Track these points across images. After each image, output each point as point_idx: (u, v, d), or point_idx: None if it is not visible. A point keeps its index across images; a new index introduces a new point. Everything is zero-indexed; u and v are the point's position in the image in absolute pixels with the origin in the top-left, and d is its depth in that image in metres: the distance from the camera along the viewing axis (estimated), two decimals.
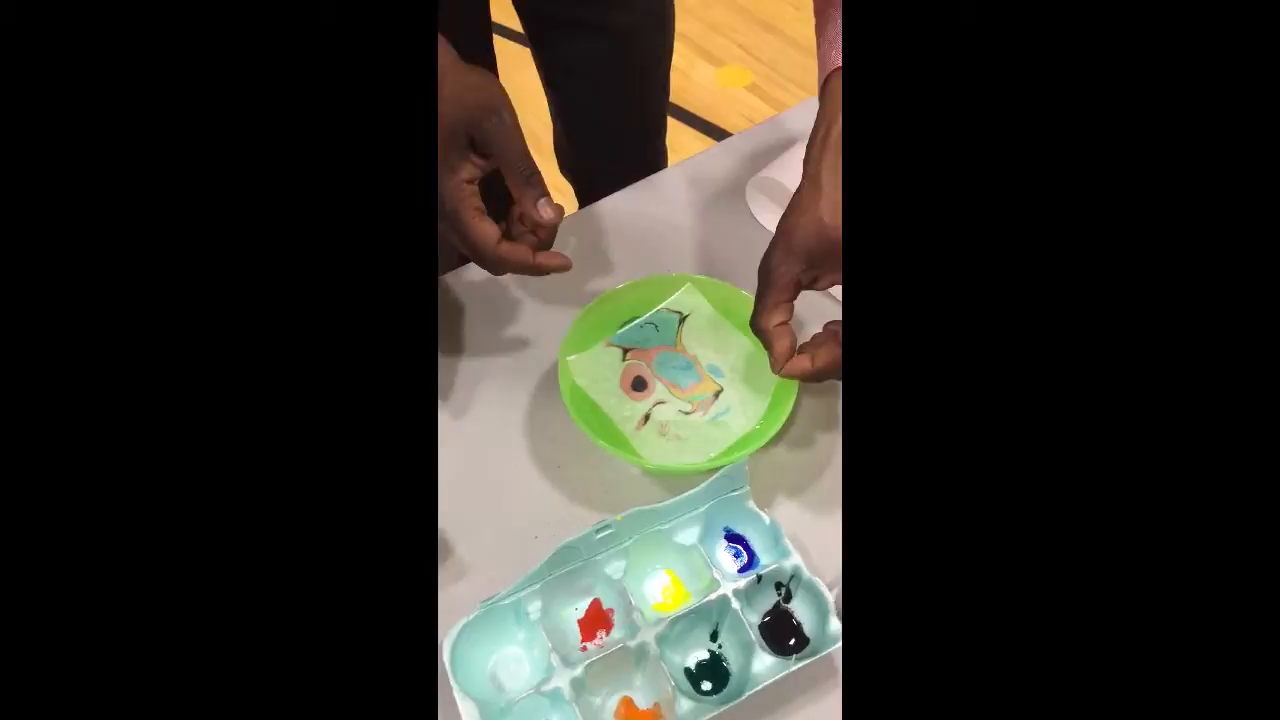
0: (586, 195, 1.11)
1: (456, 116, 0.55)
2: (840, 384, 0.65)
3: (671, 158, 1.09)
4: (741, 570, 0.59)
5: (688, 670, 0.55)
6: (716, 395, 0.67)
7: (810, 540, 0.60)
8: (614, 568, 0.57)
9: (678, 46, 1.01)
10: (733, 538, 0.60)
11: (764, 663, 0.52)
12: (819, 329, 0.57)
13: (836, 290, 0.68)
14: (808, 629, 0.55)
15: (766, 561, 0.58)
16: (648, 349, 0.69)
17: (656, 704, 0.52)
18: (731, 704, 0.50)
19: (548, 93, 1.02)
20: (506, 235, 0.59)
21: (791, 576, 0.56)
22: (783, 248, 0.54)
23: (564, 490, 0.64)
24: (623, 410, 0.66)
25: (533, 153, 0.58)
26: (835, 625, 0.53)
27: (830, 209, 0.51)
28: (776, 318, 0.55)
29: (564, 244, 0.76)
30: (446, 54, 0.57)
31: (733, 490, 0.58)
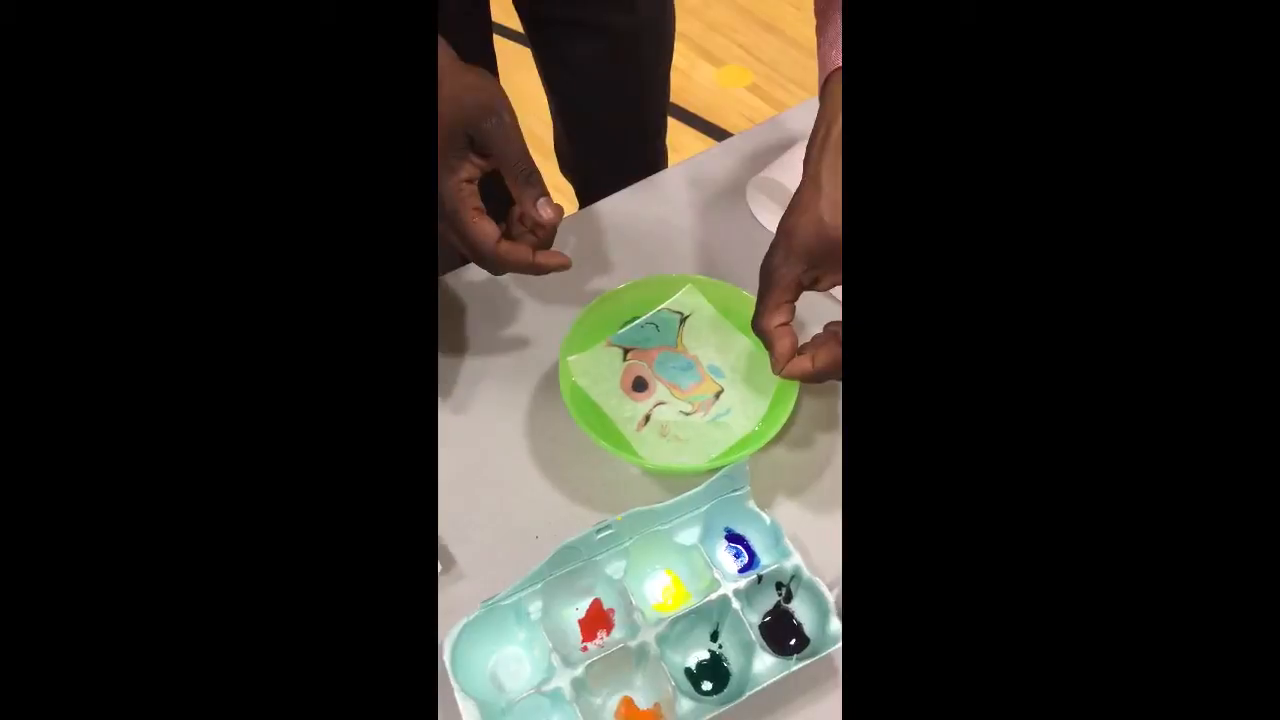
0: (587, 195, 1.11)
1: (456, 117, 0.56)
2: (840, 384, 0.65)
3: (672, 158, 1.09)
4: (742, 570, 0.59)
5: (688, 670, 0.55)
6: (717, 396, 0.67)
7: (811, 540, 0.60)
8: (614, 568, 0.57)
9: (678, 46, 1.01)
10: (733, 538, 0.60)
11: (764, 663, 0.52)
12: (819, 330, 0.57)
13: (837, 291, 0.68)
14: (808, 629, 0.55)
15: (767, 562, 0.58)
16: (648, 349, 0.69)
17: (657, 704, 0.52)
18: (732, 704, 0.50)
19: (548, 93, 1.02)
20: (506, 235, 0.59)
21: (792, 577, 0.56)
22: (784, 248, 0.54)
23: (564, 490, 0.64)
24: (623, 411, 0.66)
25: (533, 153, 0.58)
26: (835, 625, 0.53)
27: (831, 209, 0.51)
28: (778, 318, 0.56)
29: (564, 244, 0.76)
30: (445, 54, 0.57)
31: (733, 490, 0.58)
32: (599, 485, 0.64)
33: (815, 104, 0.56)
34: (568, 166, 1.11)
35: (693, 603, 0.54)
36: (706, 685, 0.54)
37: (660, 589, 0.58)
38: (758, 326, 0.56)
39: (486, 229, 0.58)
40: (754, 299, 0.57)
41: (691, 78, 2.17)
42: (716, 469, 0.57)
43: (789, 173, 0.75)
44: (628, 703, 0.53)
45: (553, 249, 0.61)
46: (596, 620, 0.56)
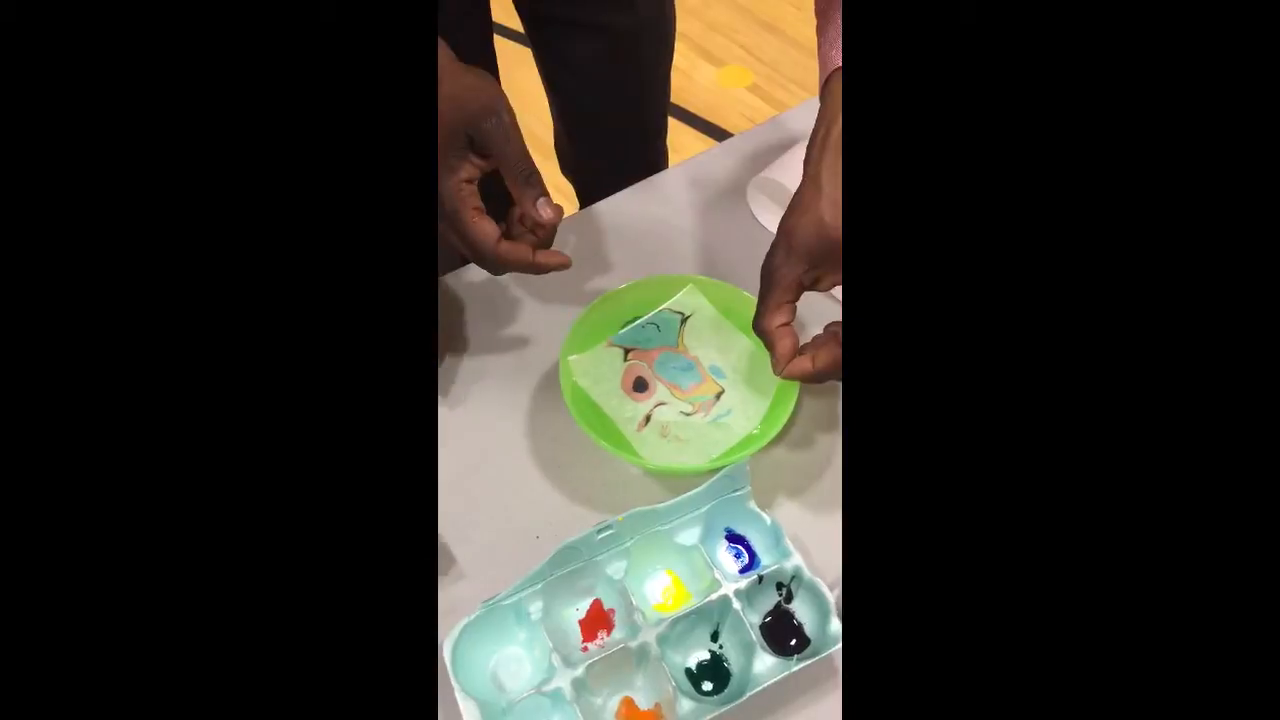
0: (588, 195, 1.11)
1: (455, 117, 0.56)
2: (841, 385, 0.65)
3: (672, 158, 1.09)
4: (742, 571, 0.59)
5: (689, 671, 0.55)
6: (718, 396, 0.67)
7: (811, 541, 0.60)
8: (615, 568, 0.57)
9: (679, 47, 1.01)
10: (734, 538, 0.60)
11: (765, 663, 0.52)
12: (820, 330, 0.57)
13: (837, 291, 0.68)
14: (809, 629, 0.55)
15: (767, 562, 0.57)
16: (649, 349, 0.69)
17: (657, 704, 0.52)
18: (732, 704, 0.50)
19: (548, 93, 1.02)
20: (506, 235, 0.59)
21: (792, 577, 0.56)
22: (784, 248, 0.54)
23: (565, 491, 0.64)
24: (624, 411, 0.66)
25: (533, 153, 0.58)
26: (836, 626, 0.53)
27: (831, 209, 0.51)
28: (779, 319, 0.56)
29: (564, 244, 0.76)
30: (445, 55, 0.57)
31: (734, 491, 0.58)
32: (599, 485, 0.64)
33: (816, 104, 0.56)
34: (568, 166, 1.11)
35: (693, 603, 0.54)
36: (707, 685, 0.54)
37: (661, 589, 0.58)
38: (759, 327, 0.56)
39: (486, 229, 0.58)
40: (755, 299, 0.57)
41: (692, 78, 2.17)
42: (717, 469, 0.57)
43: (789, 173, 0.75)
44: (628, 703, 0.53)
45: (552, 249, 0.61)
46: (597, 620, 0.56)
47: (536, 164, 0.59)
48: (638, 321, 0.70)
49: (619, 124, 1.02)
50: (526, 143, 0.58)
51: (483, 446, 0.66)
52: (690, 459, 0.63)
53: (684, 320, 0.70)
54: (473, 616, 0.53)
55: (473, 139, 0.57)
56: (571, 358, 0.66)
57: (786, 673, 0.51)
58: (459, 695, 0.50)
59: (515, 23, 0.95)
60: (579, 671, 0.51)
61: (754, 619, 0.55)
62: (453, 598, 0.58)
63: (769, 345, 0.56)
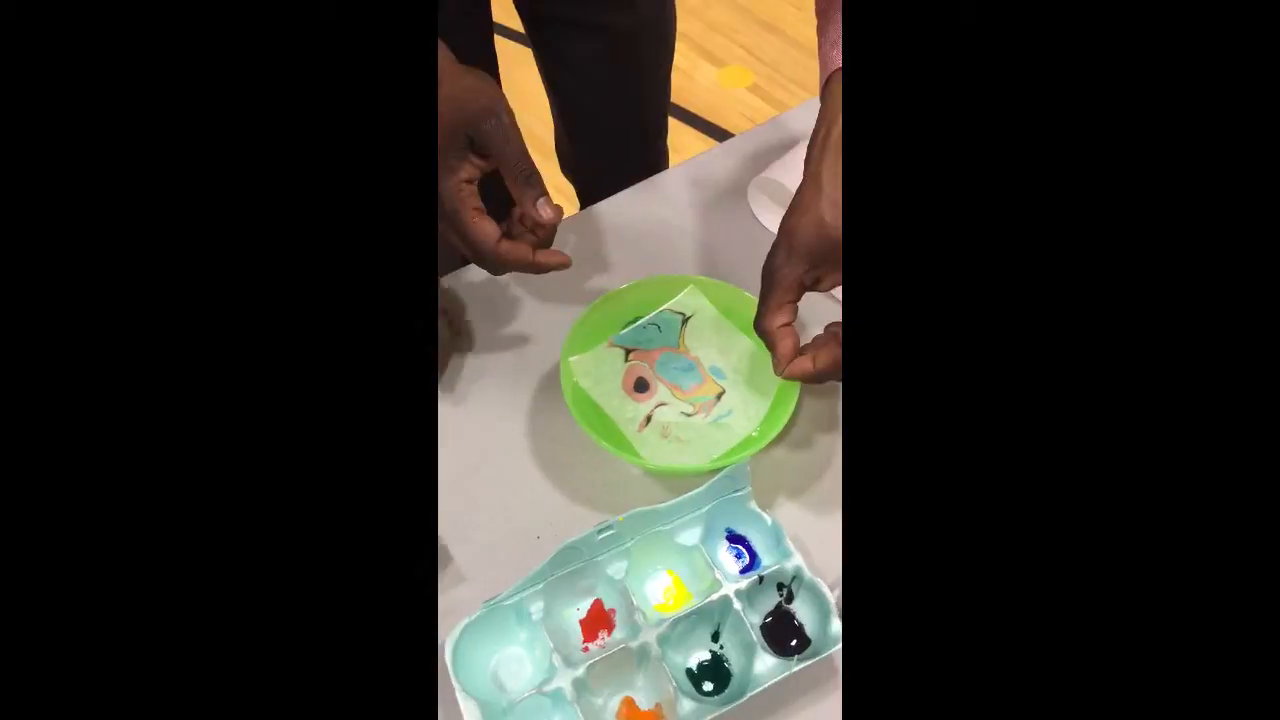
0: (588, 195, 1.11)
1: (455, 118, 0.56)
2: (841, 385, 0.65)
3: (673, 158, 1.09)
4: (743, 571, 0.59)
5: (689, 671, 0.55)
6: (719, 397, 0.67)
7: (812, 541, 0.60)
8: (616, 568, 0.57)
9: (679, 47, 1.01)
10: (734, 538, 0.60)
11: (766, 663, 0.52)
12: (821, 331, 0.57)
13: (838, 291, 0.68)
14: (809, 630, 0.55)
15: (768, 562, 0.57)
16: (650, 350, 0.69)
17: (658, 704, 0.52)
18: (733, 705, 0.50)
19: (549, 93, 1.02)
20: (506, 235, 0.60)
21: (793, 577, 0.56)
22: (785, 248, 0.54)
23: (566, 491, 0.64)
24: (625, 411, 0.66)
25: (534, 153, 0.59)
26: (837, 626, 0.53)
27: (832, 209, 0.52)
28: (780, 319, 0.56)
29: (565, 244, 0.76)
30: (445, 55, 0.57)
31: (734, 491, 0.58)
32: (600, 486, 0.64)
33: (816, 104, 0.56)
34: (569, 167, 1.11)
35: (694, 603, 0.54)
36: (708, 686, 0.54)
37: (661, 589, 0.58)
38: (760, 327, 0.56)
39: (487, 229, 0.58)
40: (755, 300, 0.57)
41: (693, 78, 2.17)
42: (718, 470, 0.57)
43: (790, 173, 0.75)
44: (629, 703, 0.53)
45: (553, 248, 0.61)
46: (598, 620, 0.56)
47: (536, 164, 0.59)
48: (639, 322, 0.70)
49: (619, 124, 1.02)
50: (527, 143, 0.58)
51: (483, 446, 0.66)
52: (691, 459, 0.63)
53: (685, 321, 0.70)
54: (474, 616, 0.53)
55: (473, 140, 0.57)
56: (572, 358, 0.66)
57: (787, 673, 0.51)
58: (460, 695, 0.50)
59: (515, 23, 0.96)
60: (580, 672, 0.51)
61: (755, 619, 0.55)
62: (453, 598, 0.58)
63: (770, 346, 0.56)
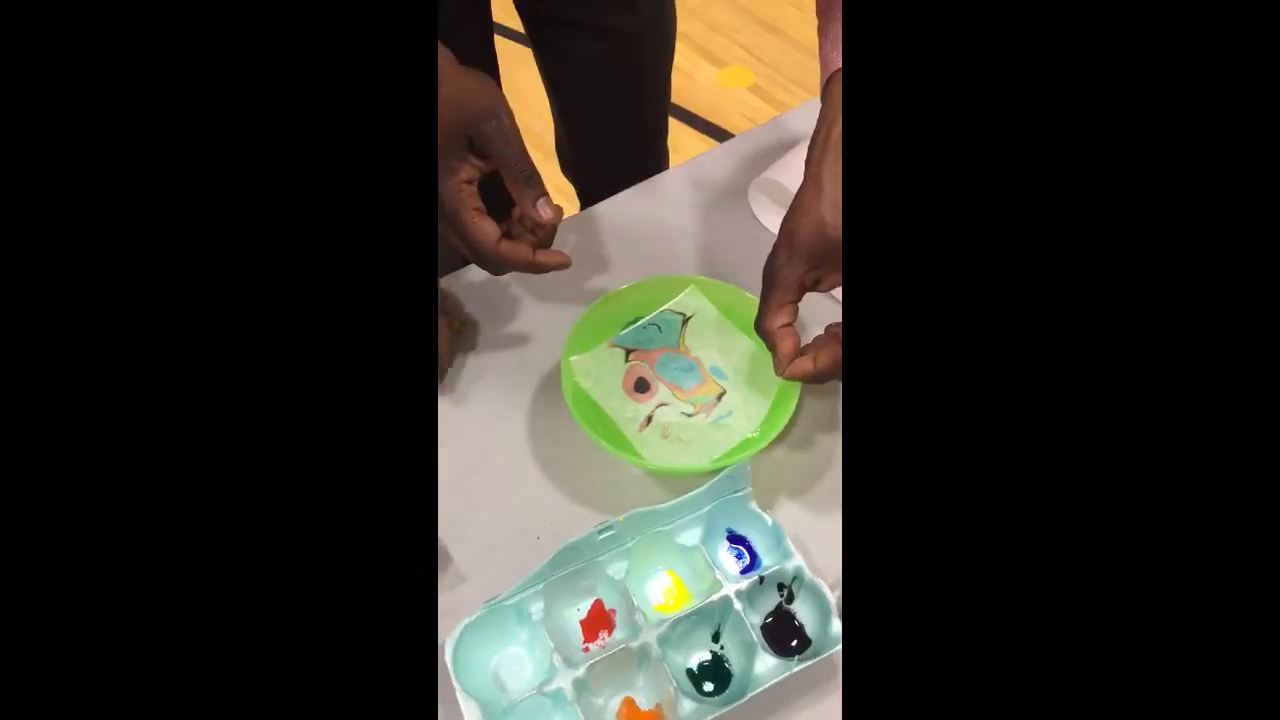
0: (589, 196, 1.11)
1: (455, 119, 0.56)
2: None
3: (673, 158, 1.09)
4: (744, 571, 0.59)
5: (690, 671, 0.55)
6: (719, 397, 0.67)
7: (812, 541, 0.60)
8: (616, 568, 0.57)
9: (679, 47, 1.01)
10: (735, 539, 0.60)
11: (766, 664, 0.52)
12: (821, 331, 0.57)
13: (838, 292, 0.68)
14: (810, 630, 0.55)
15: (768, 563, 0.57)
16: (651, 350, 0.69)
17: (659, 705, 0.52)
18: (733, 705, 0.50)
19: (549, 93, 1.02)
20: (506, 236, 0.60)
21: (794, 578, 0.56)
22: (786, 249, 0.54)
23: (566, 491, 0.64)
24: (625, 412, 0.66)
25: (534, 153, 0.59)
26: (837, 626, 0.53)
27: (832, 210, 0.52)
28: (781, 319, 0.56)
29: (566, 245, 0.76)
30: (444, 56, 0.57)
31: (735, 491, 0.58)
32: (600, 486, 0.64)
33: (817, 105, 0.56)
34: (569, 167, 1.11)
35: (694, 603, 0.54)
36: (708, 686, 0.54)
37: (662, 590, 0.58)
38: (760, 327, 0.56)
39: (487, 229, 0.58)
40: (756, 300, 0.57)
41: (693, 78, 2.17)
42: (718, 470, 0.57)
43: (791, 174, 0.75)
44: (629, 703, 0.53)
45: (552, 248, 0.61)
46: (598, 621, 0.56)
47: (537, 164, 0.59)
48: (639, 322, 0.70)
49: (620, 124, 1.02)
50: (527, 143, 0.58)
51: (484, 447, 0.66)
52: (692, 460, 0.63)
53: (685, 321, 0.70)
54: (474, 617, 0.53)
55: (472, 140, 0.57)
56: (573, 358, 0.66)
57: (788, 673, 0.51)
58: (460, 695, 0.50)
59: (516, 23, 0.96)
60: (580, 672, 0.51)
61: (755, 620, 0.55)
62: (454, 598, 0.58)
63: (771, 346, 0.56)
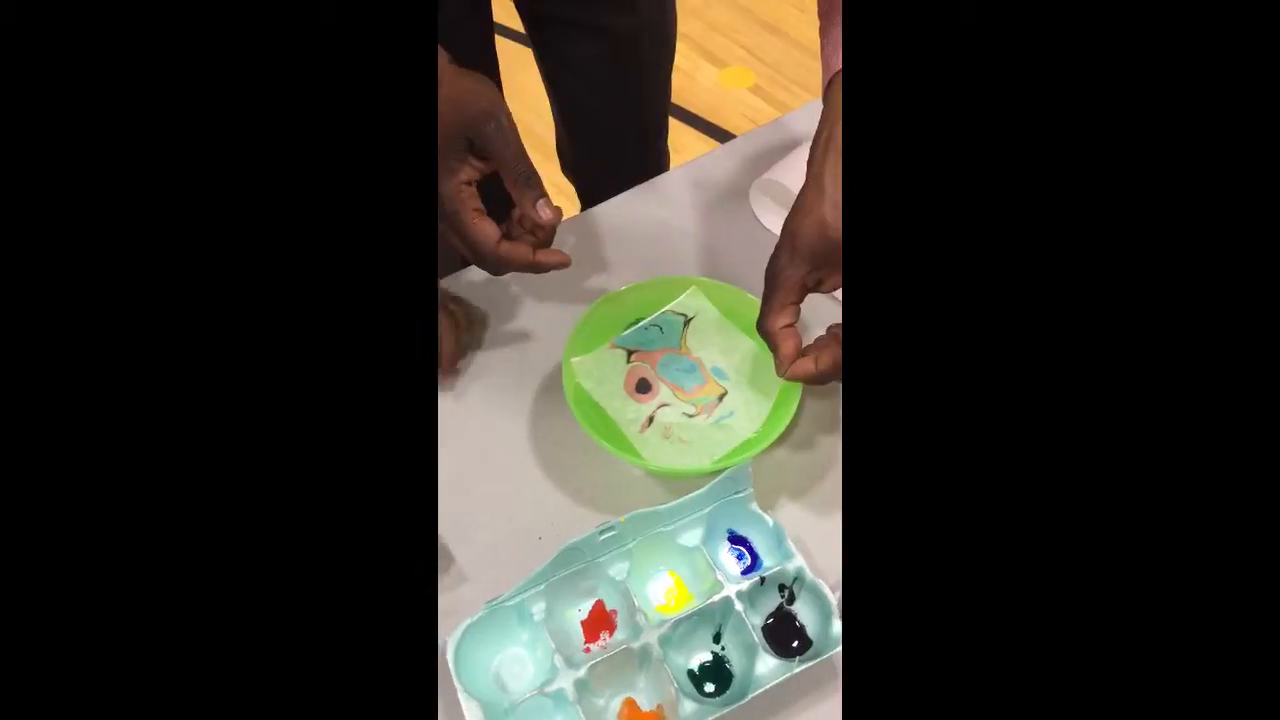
0: (589, 196, 1.11)
1: (455, 120, 0.56)
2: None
3: (674, 158, 1.09)
4: (745, 572, 0.59)
5: (691, 672, 0.55)
6: (721, 398, 0.67)
7: (813, 542, 0.60)
8: (617, 569, 0.57)
9: (680, 47, 1.01)
10: (736, 539, 0.60)
11: (767, 665, 0.52)
12: (822, 332, 0.57)
13: (840, 293, 0.68)
14: (811, 631, 0.55)
15: (770, 563, 0.58)
16: (652, 351, 0.69)
17: (660, 705, 0.52)
18: (734, 706, 0.50)
19: (550, 93, 1.02)
20: (506, 236, 0.60)
21: (795, 578, 0.56)
22: (788, 250, 0.54)
23: (567, 492, 0.64)
24: (627, 412, 0.66)
25: (534, 153, 0.59)
26: (838, 627, 0.53)
27: (834, 211, 0.52)
28: (782, 320, 0.56)
29: (566, 246, 0.76)
30: (443, 58, 0.57)
31: (736, 492, 0.58)
32: (602, 487, 0.64)
33: (818, 105, 0.56)
34: (569, 167, 1.11)
35: (695, 604, 0.54)
36: (709, 687, 0.54)
37: (663, 590, 0.58)
38: (762, 328, 0.56)
39: (487, 230, 0.58)
40: (758, 301, 0.57)
41: (694, 79, 2.17)
42: (720, 471, 0.57)
43: (792, 174, 0.75)
44: (630, 704, 0.53)
45: (552, 248, 0.61)
46: (599, 621, 0.56)
47: (537, 164, 0.59)
48: (641, 323, 0.70)
49: (620, 125, 1.02)
50: (527, 143, 0.58)
51: (485, 447, 0.66)
52: (693, 460, 0.63)
53: (687, 322, 0.70)
54: (475, 617, 0.53)
55: (472, 142, 0.57)
56: (574, 359, 0.66)
57: (788, 674, 0.51)
58: (462, 696, 0.50)
59: (516, 23, 0.96)
60: (581, 672, 0.51)
61: (756, 620, 0.55)
62: (455, 598, 0.58)
63: (772, 347, 0.56)
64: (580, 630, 0.56)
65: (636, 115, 1.02)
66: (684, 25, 1.00)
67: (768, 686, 0.51)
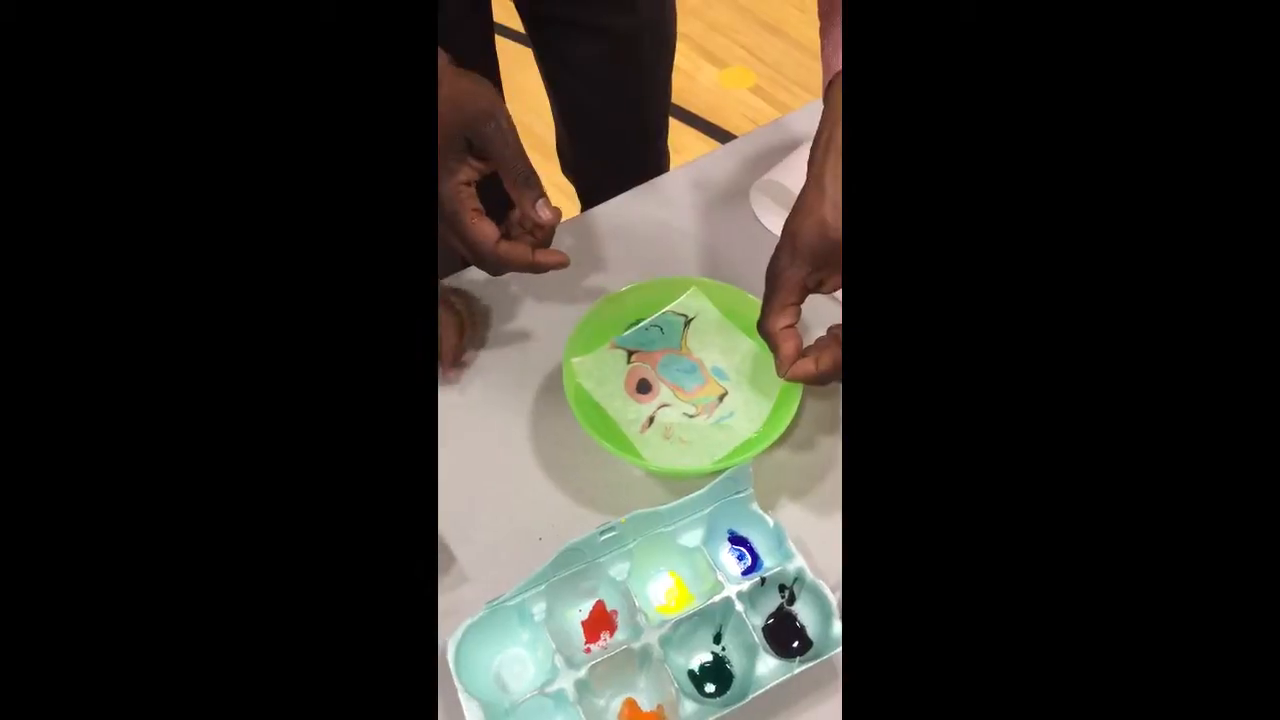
0: (589, 196, 1.11)
1: (454, 121, 0.56)
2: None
3: (674, 159, 1.09)
4: (745, 573, 0.59)
5: (691, 672, 0.55)
6: (721, 398, 0.67)
7: (814, 543, 0.60)
8: (618, 570, 0.57)
9: (680, 47, 1.01)
10: (736, 540, 0.60)
11: (767, 665, 0.52)
12: (823, 332, 0.57)
13: (840, 293, 0.68)
14: (811, 631, 0.55)
15: (770, 564, 0.58)
16: (653, 352, 0.69)
17: (660, 706, 0.52)
18: (735, 706, 0.50)
19: (550, 93, 1.02)
20: (505, 237, 0.60)
21: (795, 579, 0.56)
22: (788, 250, 0.54)
23: (568, 492, 0.64)
24: (627, 413, 0.66)
25: (534, 153, 0.59)
26: (838, 628, 0.53)
27: (834, 211, 0.52)
28: (783, 320, 0.56)
29: (566, 246, 0.76)
30: (442, 58, 0.57)
31: (736, 493, 0.58)
32: (602, 487, 0.64)
33: (819, 106, 0.56)
34: (569, 167, 1.11)
35: (696, 605, 0.54)
36: (710, 687, 0.54)
37: (664, 591, 0.58)
38: (763, 329, 0.56)
39: (486, 230, 0.58)
40: (758, 302, 0.57)
41: (694, 79, 2.17)
42: (720, 471, 0.57)
43: (792, 175, 0.75)
44: (631, 704, 0.53)
45: (551, 248, 0.61)
46: (600, 622, 0.56)
47: (537, 165, 0.59)
48: (641, 324, 0.70)
49: (620, 125, 1.02)
50: (527, 143, 0.58)
51: (486, 447, 0.66)
52: (693, 461, 0.63)
53: (687, 322, 0.70)
54: (476, 617, 0.53)
55: (471, 142, 0.57)
56: (575, 360, 0.66)
57: (789, 675, 0.51)
58: (462, 696, 0.50)
59: (516, 23, 0.96)
60: (582, 673, 0.51)
61: (756, 621, 0.55)
62: (455, 599, 0.58)
63: (773, 347, 0.56)
64: (581, 630, 0.56)
65: (636, 115, 1.02)
66: (684, 25, 1.00)
67: (768, 687, 0.51)
